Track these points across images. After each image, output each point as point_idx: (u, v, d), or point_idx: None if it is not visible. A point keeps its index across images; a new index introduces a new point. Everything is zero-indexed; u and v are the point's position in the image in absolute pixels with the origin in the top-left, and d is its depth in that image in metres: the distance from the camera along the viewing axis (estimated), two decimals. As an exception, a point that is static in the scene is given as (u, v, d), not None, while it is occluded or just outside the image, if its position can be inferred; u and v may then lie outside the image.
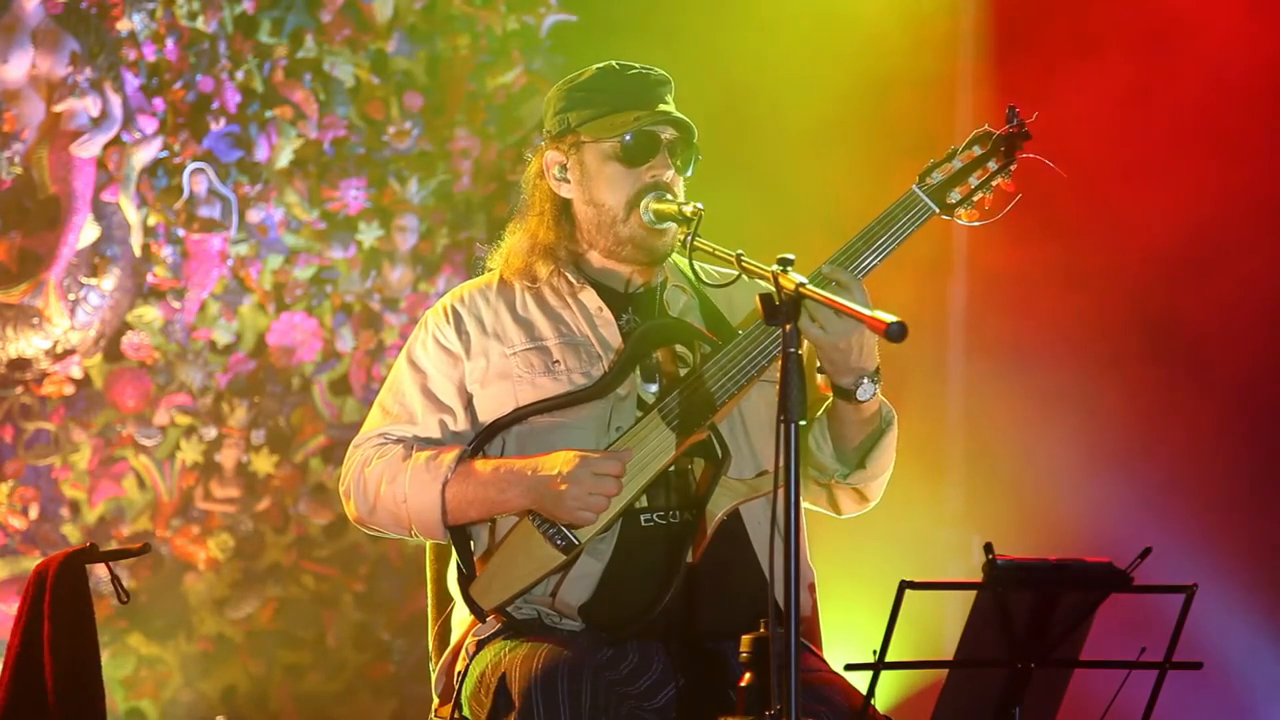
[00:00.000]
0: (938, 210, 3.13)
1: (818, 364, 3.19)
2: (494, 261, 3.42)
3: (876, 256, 3.11)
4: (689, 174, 3.31)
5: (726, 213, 3.44)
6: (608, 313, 3.30)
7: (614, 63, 3.33)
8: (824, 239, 3.17)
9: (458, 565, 3.23)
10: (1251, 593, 5.56)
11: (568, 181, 3.32)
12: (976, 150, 3.14)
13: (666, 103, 3.30)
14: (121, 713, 5.90)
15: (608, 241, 3.30)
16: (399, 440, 3.28)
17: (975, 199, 3.14)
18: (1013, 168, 3.13)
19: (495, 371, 3.29)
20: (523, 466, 3.15)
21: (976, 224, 3.15)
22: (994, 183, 3.14)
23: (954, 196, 3.14)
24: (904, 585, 2.75)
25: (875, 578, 5.40)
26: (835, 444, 3.22)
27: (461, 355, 3.31)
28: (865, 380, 3.11)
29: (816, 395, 3.26)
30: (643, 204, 3.24)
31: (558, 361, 3.27)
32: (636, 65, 3.33)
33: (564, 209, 3.35)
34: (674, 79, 3.34)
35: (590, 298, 3.32)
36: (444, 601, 3.41)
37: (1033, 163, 3.14)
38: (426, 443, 3.27)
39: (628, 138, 3.25)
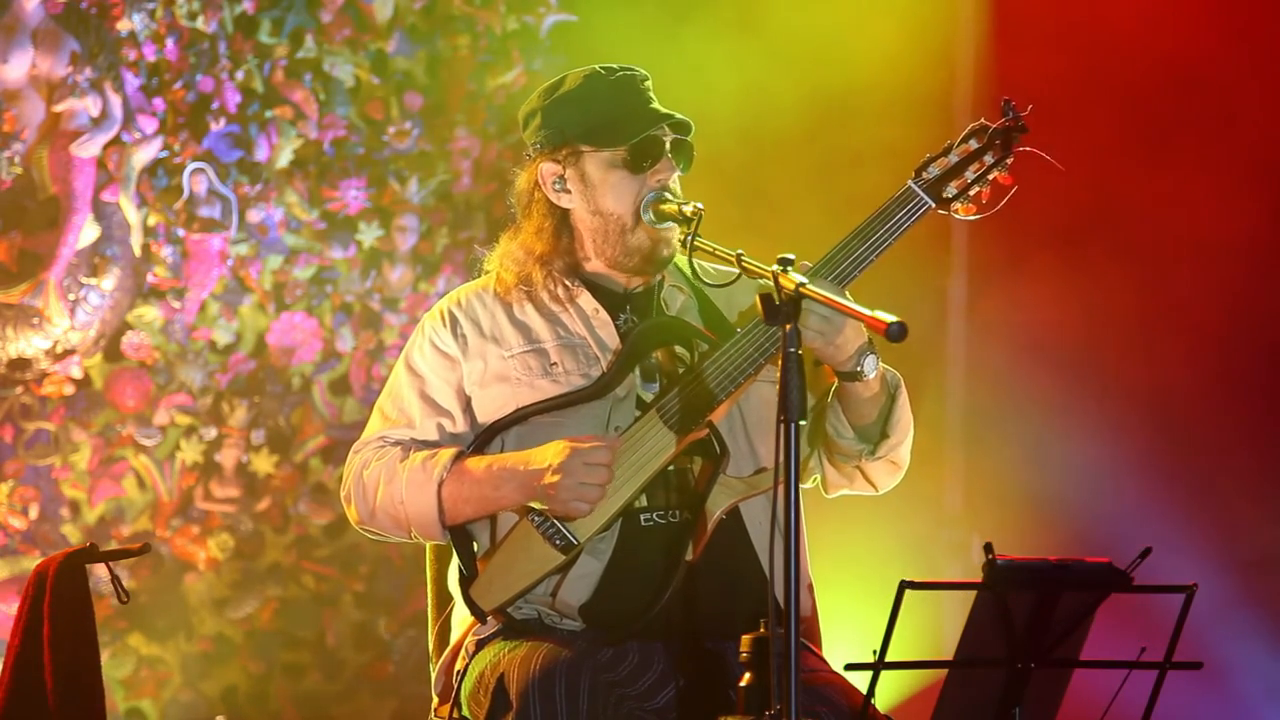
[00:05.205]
0: (933, 204, 3.12)
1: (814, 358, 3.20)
2: (490, 264, 3.41)
3: (873, 251, 3.10)
4: (687, 170, 3.31)
5: (719, 215, 3.43)
6: (604, 314, 3.31)
7: (598, 68, 3.32)
8: (818, 243, 3.16)
9: (458, 566, 3.23)
10: (1251, 593, 5.56)
11: (568, 192, 3.31)
12: (973, 144, 3.13)
13: (654, 100, 3.30)
14: (121, 713, 5.90)
15: (615, 251, 3.29)
16: (397, 443, 3.28)
17: (971, 193, 3.12)
18: (1009, 161, 3.13)
19: (493, 374, 3.29)
20: (515, 462, 3.15)
21: (973, 218, 3.14)
22: (990, 176, 3.13)
23: (950, 191, 3.12)
24: (904, 585, 2.75)
25: (875, 578, 5.40)
26: (854, 425, 3.22)
27: (459, 358, 3.31)
28: (866, 359, 3.11)
29: (822, 385, 3.26)
30: (643, 205, 3.25)
31: (555, 364, 3.27)
32: (617, 66, 3.32)
33: (563, 220, 3.34)
34: (674, 79, 3.33)
35: (586, 300, 3.32)
36: (444, 601, 3.41)
37: (1034, 159, 3.13)
38: (425, 446, 3.27)
39: (632, 145, 3.25)
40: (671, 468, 3.18)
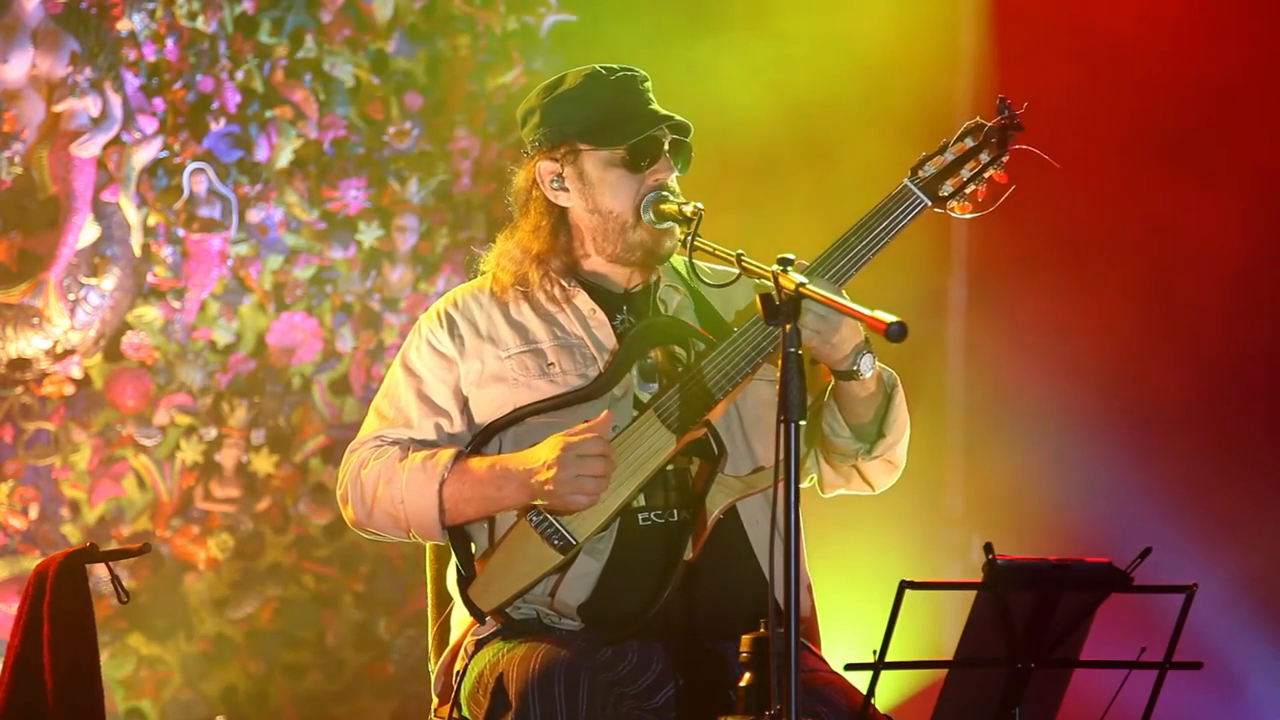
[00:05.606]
0: (929, 203, 3.12)
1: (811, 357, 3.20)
2: (486, 265, 3.41)
3: (870, 250, 3.10)
4: (685, 172, 3.31)
5: (719, 216, 3.43)
6: (601, 314, 3.31)
7: (598, 67, 3.32)
8: (820, 245, 3.16)
9: (457, 567, 3.23)
10: (1251, 593, 5.56)
11: (566, 191, 3.31)
12: (969, 142, 3.13)
13: (654, 101, 3.30)
14: (121, 713, 5.90)
15: (616, 248, 3.29)
16: (395, 443, 3.28)
17: (967, 191, 3.12)
18: (1005, 159, 3.13)
19: (490, 374, 3.29)
20: (514, 462, 3.15)
21: (969, 216, 3.14)
22: (986, 174, 3.12)
23: (946, 189, 3.12)
24: (904, 585, 2.75)
25: (875, 578, 5.40)
26: (850, 424, 3.22)
27: (456, 358, 3.31)
28: (863, 358, 3.11)
29: (819, 384, 3.26)
30: (643, 204, 3.25)
31: (553, 364, 3.27)
32: (617, 67, 3.32)
33: (561, 219, 3.34)
34: (674, 80, 3.34)
35: (583, 300, 3.32)
36: (444, 601, 3.41)
37: (1033, 159, 3.13)
38: (422, 445, 3.27)
39: (631, 144, 3.25)
40: (670, 467, 3.18)
